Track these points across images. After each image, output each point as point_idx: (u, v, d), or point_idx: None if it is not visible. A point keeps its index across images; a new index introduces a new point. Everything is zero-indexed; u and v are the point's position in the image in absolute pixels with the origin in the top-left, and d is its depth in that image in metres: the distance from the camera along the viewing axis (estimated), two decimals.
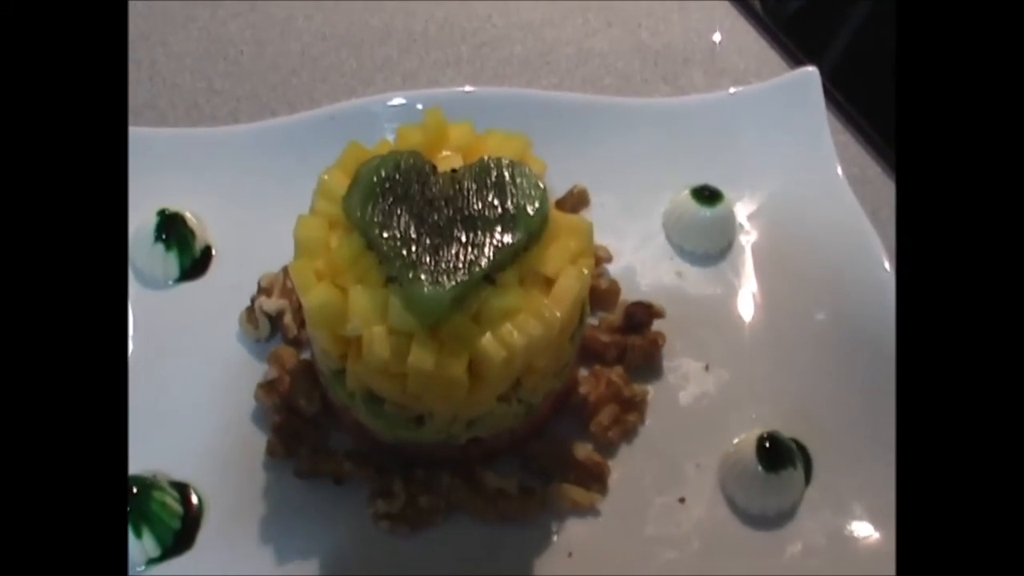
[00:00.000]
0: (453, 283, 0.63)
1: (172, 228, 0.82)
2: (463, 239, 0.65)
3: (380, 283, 0.65)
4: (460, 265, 0.64)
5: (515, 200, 0.67)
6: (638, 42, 1.05)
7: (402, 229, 0.66)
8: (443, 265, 0.64)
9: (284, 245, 0.82)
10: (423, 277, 0.63)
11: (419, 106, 0.89)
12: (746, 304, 0.84)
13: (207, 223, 0.86)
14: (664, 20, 1.07)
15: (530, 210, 0.67)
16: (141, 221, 0.83)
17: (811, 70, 0.91)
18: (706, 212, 0.85)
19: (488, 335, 0.64)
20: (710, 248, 0.86)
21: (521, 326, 0.64)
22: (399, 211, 0.66)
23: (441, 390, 0.65)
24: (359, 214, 0.66)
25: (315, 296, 0.66)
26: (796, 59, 1.03)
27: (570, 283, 0.67)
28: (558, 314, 0.65)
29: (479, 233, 0.66)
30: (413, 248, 0.65)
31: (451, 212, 0.66)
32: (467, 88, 0.91)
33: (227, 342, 0.81)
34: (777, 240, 0.86)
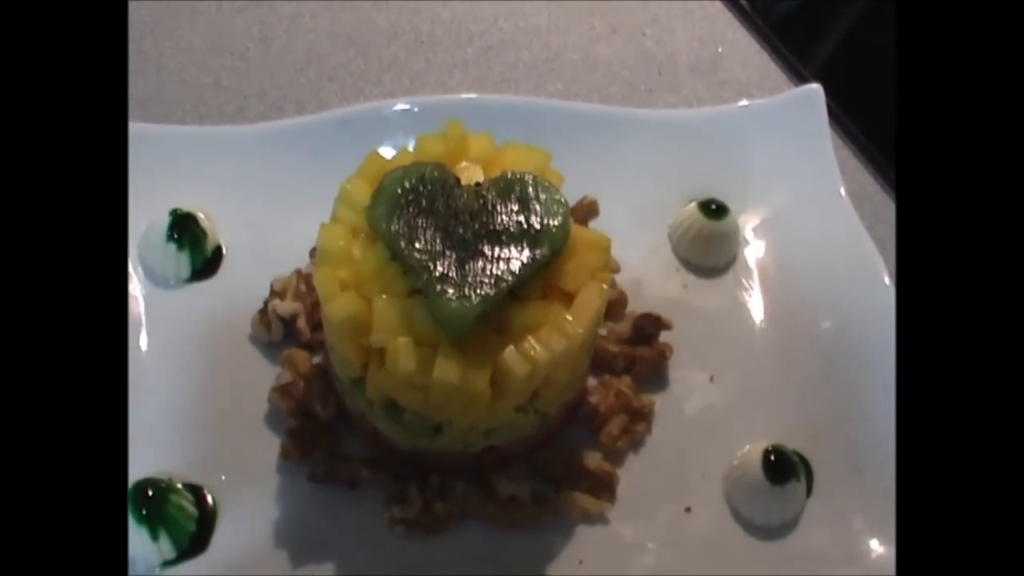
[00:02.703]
0: (480, 298, 0.64)
1: (184, 227, 0.82)
2: (489, 254, 0.66)
3: (405, 294, 0.66)
4: (486, 280, 0.65)
5: (539, 216, 0.68)
6: (643, 50, 1.06)
7: (428, 242, 0.66)
8: (470, 279, 0.65)
9: (295, 247, 0.84)
10: (450, 291, 0.64)
11: (431, 112, 0.89)
12: (750, 317, 0.86)
13: (218, 223, 0.86)
14: (668, 29, 1.08)
15: (554, 226, 0.68)
16: (153, 220, 0.83)
17: (815, 87, 0.93)
18: (713, 225, 0.87)
19: (511, 349, 0.65)
20: (715, 261, 0.88)
21: (544, 341, 0.66)
22: (424, 224, 0.67)
23: (463, 402, 0.66)
24: (384, 226, 0.67)
25: (339, 306, 0.67)
26: (796, 72, 1.05)
27: (591, 299, 0.68)
28: (580, 330, 0.66)
29: (504, 248, 0.67)
30: (439, 262, 0.66)
31: (476, 226, 0.67)
32: (479, 96, 0.92)
33: (239, 343, 0.81)
34: (780, 254, 0.88)
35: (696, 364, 0.83)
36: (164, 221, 0.82)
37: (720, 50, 1.07)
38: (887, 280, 0.82)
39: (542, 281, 0.68)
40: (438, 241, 0.67)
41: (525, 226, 0.68)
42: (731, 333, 0.85)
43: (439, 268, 0.65)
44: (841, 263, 0.85)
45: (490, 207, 0.68)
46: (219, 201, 0.86)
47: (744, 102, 0.95)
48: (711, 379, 0.82)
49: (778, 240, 0.89)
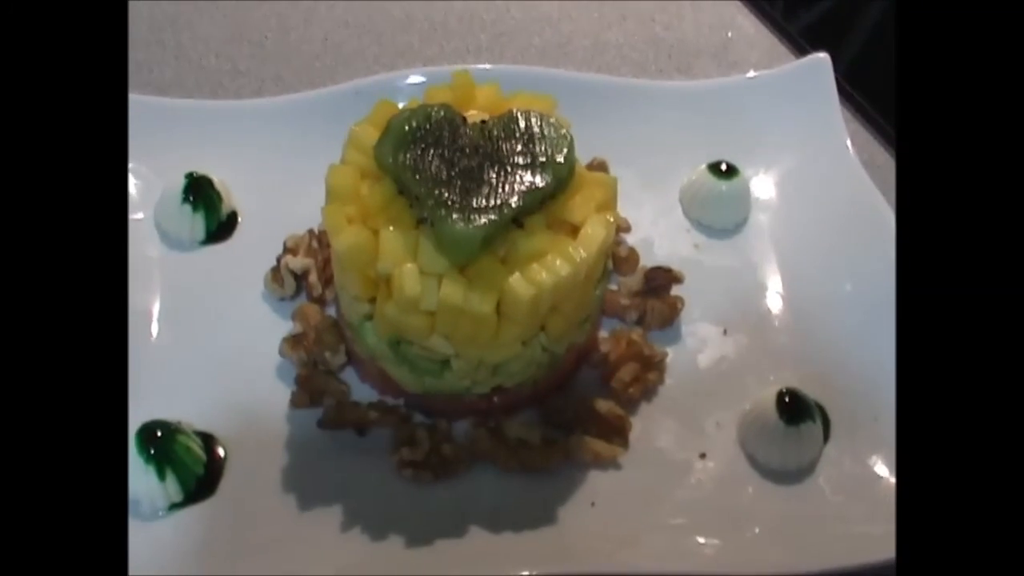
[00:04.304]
0: (484, 222, 0.65)
1: (199, 190, 0.84)
2: (493, 182, 0.67)
3: (411, 226, 0.67)
4: (491, 205, 0.66)
5: (543, 147, 0.69)
6: (652, 35, 1.07)
7: (434, 172, 0.67)
8: (475, 204, 0.65)
9: (309, 214, 0.84)
10: (455, 216, 0.65)
11: (443, 83, 0.90)
12: (762, 274, 0.85)
13: (234, 192, 0.87)
14: (677, 15, 1.10)
15: (559, 158, 0.68)
16: (169, 185, 0.85)
17: (823, 56, 0.94)
18: (722, 186, 0.87)
19: (516, 274, 0.65)
20: (726, 222, 0.88)
21: (549, 266, 0.66)
22: (430, 156, 0.68)
23: (469, 328, 0.66)
24: (391, 160, 0.68)
25: (346, 237, 0.67)
26: (804, 52, 1.06)
27: (596, 230, 0.68)
28: (585, 255, 0.66)
29: (509, 177, 0.67)
30: (445, 189, 0.66)
31: (481, 158, 0.68)
32: (492, 66, 0.94)
33: (252, 302, 0.82)
34: (791, 214, 0.88)
35: (709, 318, 0.83)
36: (180, 184, 0.84)
37: (729, 35, 1.08)
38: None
39: (548, 214, 0.68)
40: (443, 172, 0.67)
41: (530, 158, 0.68)
42: (743, 288, 0.84)
43: (444, 195, 0.66)
44: (851, 217, 0.85)
45: (495, 141, 0.69)
46: (236, 171, 0.88)
47: (752, 73, 0.96)
48: (724, 332, 0.82)
49: (788, 200, 0.89)
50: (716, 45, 1.07)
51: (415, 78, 0.92)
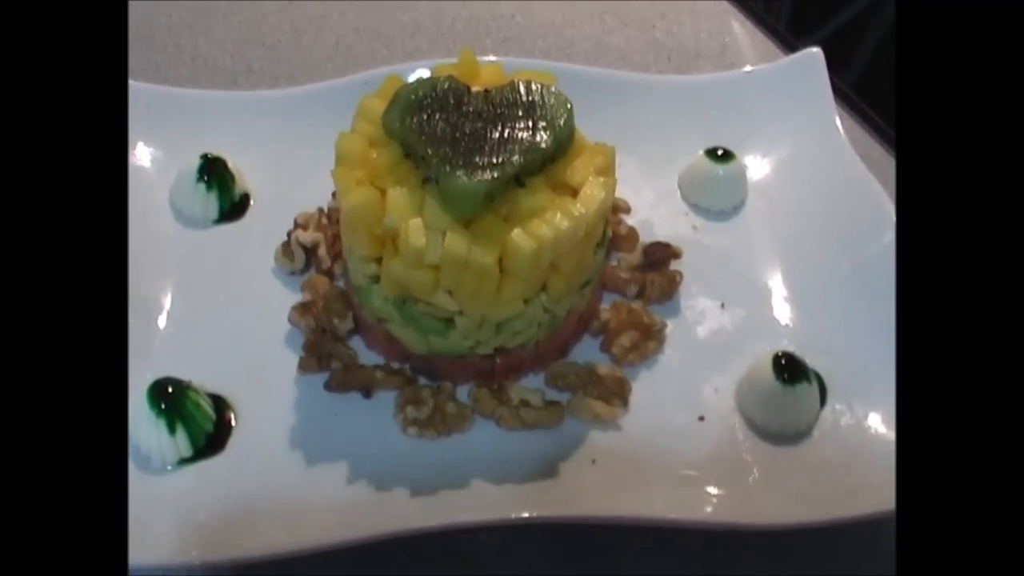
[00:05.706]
0: (487, 177, 0.67)
1: (213, 170, 0.87)
2: (496, 143, 0.70)
3: (417, 185, 0.69)
4: (493, 162, 0.68)
5: (543, 112, 0.72)
6: (653, 40, 1.11)
7: (439, 134, 0.70)
8: (477, 162, 0.68)
9: (318, 200, 0.87)
10: (459, 172, 0.67)
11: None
12: (758, 252, 0.87)
13: (248, 177, 0.90)
14: (676, 22, 1.13)
15: (559, 121, 0.71)
16: (184, 166, 0.88)
17: (816, 51, 0.97)
18: (719, 170, 0.90)
19: (518, 229, 0.67)
20: (724, 204, 0.91)
21: (549, 221, 0.68)
22: (436, 120, 0.71)
23: (473, 282, 0.68)
24: (398, 124, 0.71)
25: (355, 196, 0.70)
26: None
27: (595, 190, 0.71)
28: (584, 211, 0.69)
29: (511, 139, 0.70)
30: (449, 148, 0.69)
31: (484, 122, 0.71)
32: (498, 58, 0.97)
33: (263, 276, 0.84)
34: (786, 196, 0.91)
35: (707, 293, 0.85)
36: (195, 164, 0.87)
37: (727, 40, 1.12)
38: (889, 208, 0.83)
39: (549, 177, 0.71)
40: (448, 133, 0.70)
41: (531, 121, 0.71)
42: (741, 266, 0.87)
43: (449, 153, 0.69)
44: (843, 197, 0.87)
45: (498, 107, 0.72)
46: (250, 157, 0.91)
47: (749, 68, 0.99)
48: (722, 306, 0.84)
49: (784, 183, 0.92)
50: (714, 49, 1.11)
51: (422, 71, 0.95)
